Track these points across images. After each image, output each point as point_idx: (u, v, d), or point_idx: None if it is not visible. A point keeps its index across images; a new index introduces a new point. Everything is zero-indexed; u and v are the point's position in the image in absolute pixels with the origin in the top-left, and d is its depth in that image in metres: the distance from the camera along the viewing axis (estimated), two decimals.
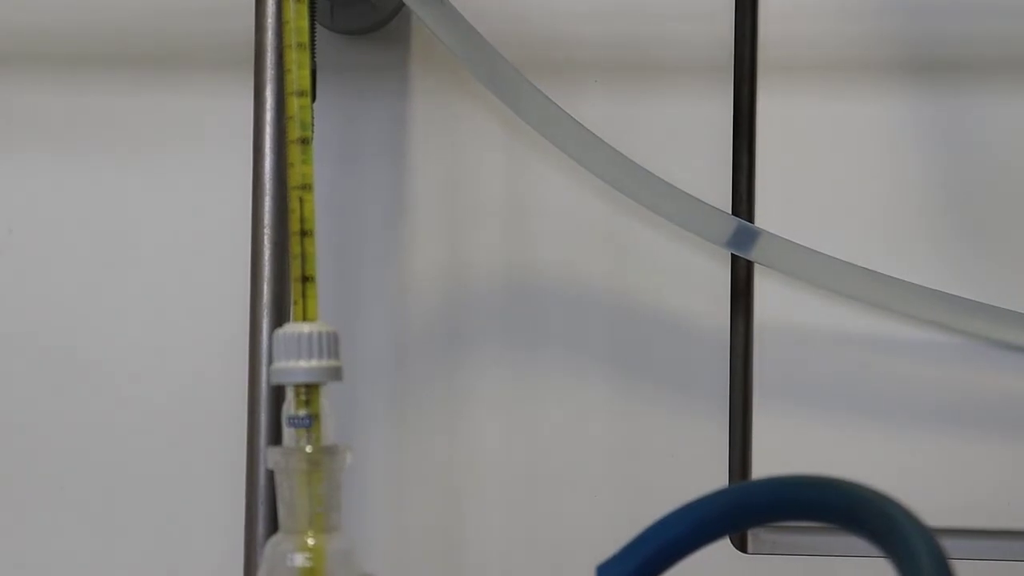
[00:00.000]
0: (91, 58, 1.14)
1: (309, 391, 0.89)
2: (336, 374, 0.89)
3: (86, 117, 1.15)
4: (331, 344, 0.89)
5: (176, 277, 1.14)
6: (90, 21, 1.14)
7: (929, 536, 0.72)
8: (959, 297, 1.09)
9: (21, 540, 1.15)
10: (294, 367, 0.88)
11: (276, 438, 0.94)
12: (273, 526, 0.91)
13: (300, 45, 0.92)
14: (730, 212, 1.11)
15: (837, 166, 1.12)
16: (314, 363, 0.88)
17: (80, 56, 1.14)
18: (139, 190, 1.15)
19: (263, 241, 1.00)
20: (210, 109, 1.12)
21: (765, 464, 1.12)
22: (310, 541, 0.88)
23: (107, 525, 1.14)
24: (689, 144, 1.12)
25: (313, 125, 0.91)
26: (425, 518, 1.13)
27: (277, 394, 0.93)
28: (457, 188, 1.13)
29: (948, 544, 0.71)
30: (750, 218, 1.11)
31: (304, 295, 0.90)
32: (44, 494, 1.15)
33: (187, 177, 1.14)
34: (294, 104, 0.91)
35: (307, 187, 0.90)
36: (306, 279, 0.90)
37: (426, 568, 1.10)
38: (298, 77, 0.91)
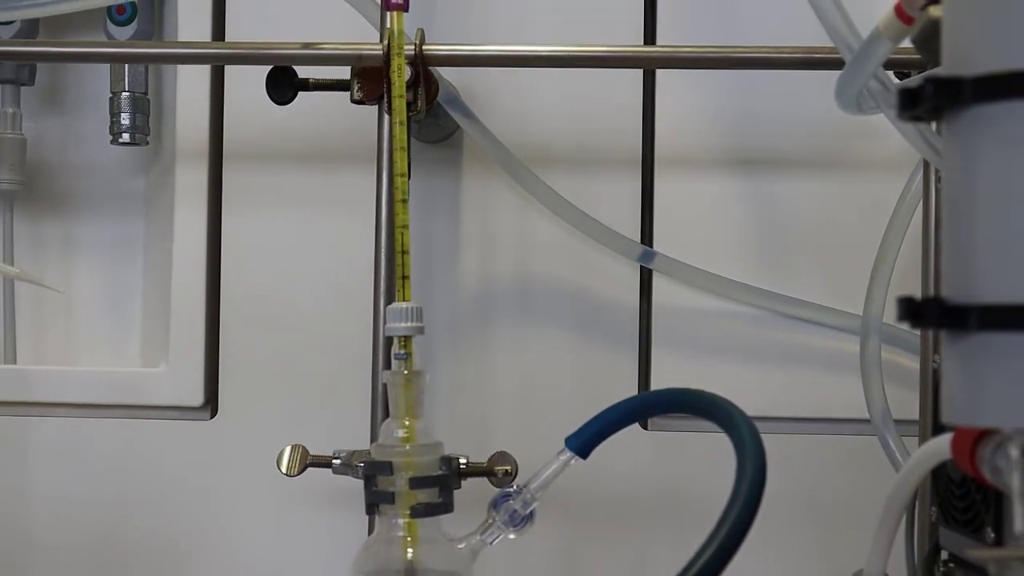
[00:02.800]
0: (291, 156, 1.14)
1: (406, 340, 0.90)
2: (421, 331, 0.90)
3: (294, 187, 1.15)
4: (418, 314, 0.90)
5: (335, 275, 1.13)
6: (290, 137, 1.14)
7: (748, 421, 0.73)
8: (766, 290, 1.10)
9: (259, 406, 1.15)
10: (398, 326, 0.89)
11: (387, 365, 0.95)
12: (385, 414, 0.93)
13: (402, 148, 0.93)
14: (639, 241, 1.11)
15: (699, 217, 1.12)
16: (409, 324, 0.89)
17: (284, 155, 1.14)
18: (317, 227, 1.14)
19: (381, 255, 1.00)
20: (353, 183, 1.11)
21: (658, 383, 1.12)
22: (406, 422, 0.89)
23: (296, 403, 1.14)
24: (617, 203, 1.12)
25: (408, 192, 0.92)
26: (469, 410, 1.13)
27: (388, 341, 0.93)
28: (487, 227, 1.13)
29: (760, 425, 0.72)
30: (651, 245, 1.11)
31: (403, 286, 0.91)
32: (265, 385, 1.15)
33: (341, 220, 1.13)
34: (398, 180, 0.92)
35: (406, 227, 0.92)
36: (405, 277, 0.91)
37: (468, 437, 1.08)
38: (401, 166, 0.92)
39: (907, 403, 0.99)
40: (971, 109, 0.58)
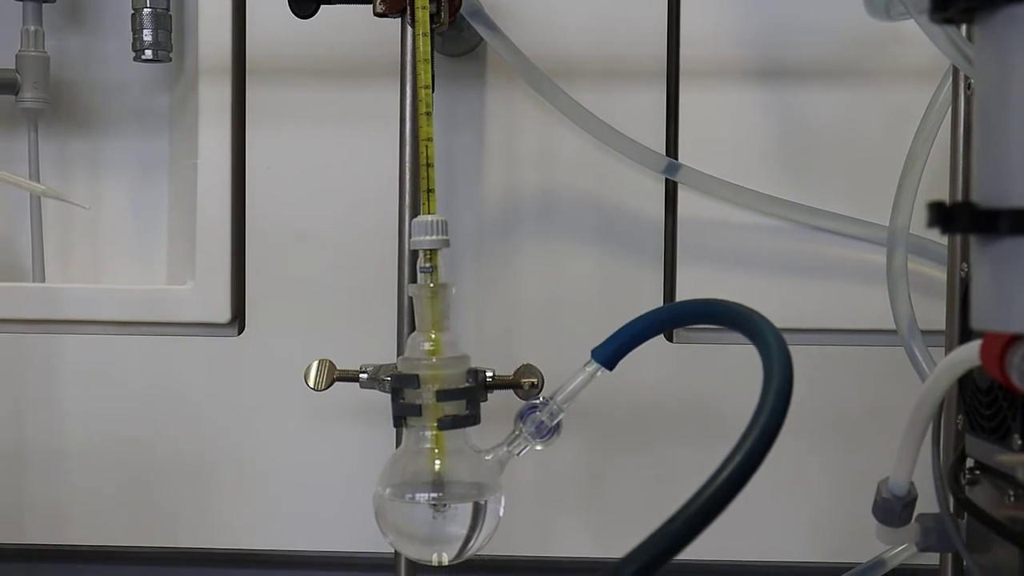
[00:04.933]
0: (315, 71, 1.13)
1: (431, 253, 0.90)
2: (446, 244, 0.90)
3: (318, 102, 1.13)
4: (443, 227, 0.90)
5: (361, 189, 1.12)
6: (313, 52, 1.13)
7: (775, 330, 0.72)
8: (792, 201, 1.09)
9: (286, 322, 1.15)
10: (423, 239, 0.89)
11: (413, 278, 0.95)
12: (412, 328, 0.93)
13: (425, 60, 0.92)
14: (664, 154, 1.10)
15: (724, 129, 1.10)
16: (434, 237, 0.89)
17: (308, 70, 1.13)
18: (341, 142, 1.13)
19: (406, 168, 0.99)
20: (377, 97, 1.10)
21: (683, 295, 1.11)
22: (432, 335, 0.89)
23: (323, 318, 1.13)
24: (642, 116, 1.10)
25: (432, 105, 0.91)
26: (495, 324, 1.13)
27: (413, 255, 0.93)
28: (510, 141, 1.12)
29: (786, 337, 0.71)
30: (675, 157, 1.10)
31: (428, 199, 0.91)
32: (292, 301, 1.15)
33: (365, 134, 1.12)
34: (422, 93, 0.92)
35: (430, 139, 0.91)
36: (430, 190, 0.91)
37: (494, 350, 1.09)
38: (424, 78, 0.92)
39: (933, 314, 0.99)
40: (1005, 10, 0.57)
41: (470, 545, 0.89)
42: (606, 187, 1.12)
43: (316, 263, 1.13)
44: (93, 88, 1.22)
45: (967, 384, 0.86)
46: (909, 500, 0.84)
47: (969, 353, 0.66)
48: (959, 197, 0.91)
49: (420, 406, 0.88)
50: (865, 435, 1.08)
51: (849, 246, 1.09)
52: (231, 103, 1.14)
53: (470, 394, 0.89)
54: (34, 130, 1.19)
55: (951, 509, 0.85)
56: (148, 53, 1.13)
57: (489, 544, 0.90)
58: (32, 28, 1.17)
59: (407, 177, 0.99)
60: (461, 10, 1.00)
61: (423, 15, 0.92)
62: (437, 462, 0.88)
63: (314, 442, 1.13)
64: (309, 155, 1.13)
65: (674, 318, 0.95)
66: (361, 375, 0.97)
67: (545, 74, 1.06)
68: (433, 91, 0.92)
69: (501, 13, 1.08)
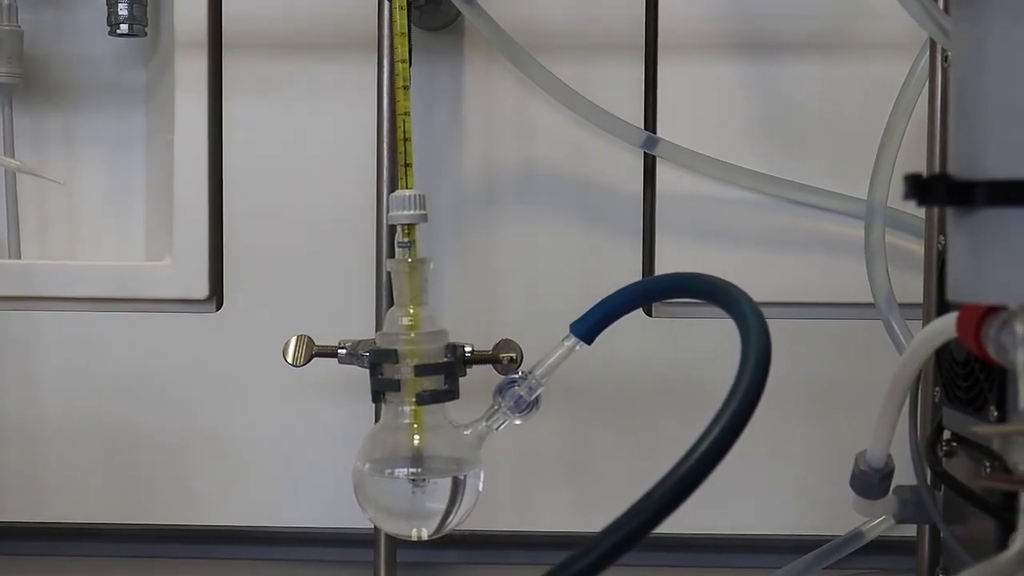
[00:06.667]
0: (292, 45, 1.12)
1: (409, 228, 0.90)
2: (424, 218, 0.90)
3: (294, 76, 1.12)
4: (421, 201, 0.90)
5: (338, 165, 1.12)
6: (290, 26, 1.12)
7: (752, 304, 0.72)
8: (770, 175, 1.09)
9: (264, 298, 1.15)
10: (401, 214, 0.90)
11: (391, 253, 0.95)
12: (390, 303, 0.93)
13: (402, 34, 0.92)
14: (643, 128, 1.10)
15: (703, 102, 1.10)
16: (412, 212, 0.89)
17: (284, 44, 1.12)
18: (319, 116, 1.12)
19: (383, 143, 0.99)
20: (355, 71, 1.09)
21: (662, 270, 1.11)
22: (410, 310, 0.89)
23: (301, 294, 1.13)
24: (620, 89, 1.10)
25: (410, 79, 0.91)
26: (473, 298, 1.12)
27: (391, 229, 0.93)
28: (489, 115, 1.11)
29: (764, 310, 0.71)
30: (654, 131, 1.10)
31: (406, 174, 0.91)
32: (270, 276, 1.14)
33: (343, 108, 1.11)
34: (399, 67, 0.91)
35: (407, 114, 0.91)
36: (407, 165, 0.91)
37: (473, 324, 1.08)
38: (402, 52, 0.92)
39: (911, 287, 0.99)
40: None
41: (449, 520, 0.89)
42: (585, 161, 1.11)
43: (294, 238, 1.13)
44: (68, 63, 1.21)
45: (944, 356, 0.86)
46: (886, 472, 0.85)
47: (946, 325, 0.67)
48: (936, 169, 0.91)
49: (399, 381, 0.88)
50: (843, 408, 1.08)
51: (827, 219, 1.09)
52: (207, 77, 1.13)
53: (448, 369, 0.89)
54: (8, 105, 1.18)
55: (928, 481, 0.86)
56: (124, 27, 1.12)
57: (469, 519, 0.90)
58: (6, 1, 1.16)
59: (385, 151, 0.99)
60: None
61: None
62: (416, 437, 0.88)
63: (294, 418, 1.13)
64: (287, 130, 1.13)
65: (652, 292, 0.96)
66: (340, 351, 0.97)
67: (523, 48, 1.06)
68: (410, 65, 0.92)
69: None
